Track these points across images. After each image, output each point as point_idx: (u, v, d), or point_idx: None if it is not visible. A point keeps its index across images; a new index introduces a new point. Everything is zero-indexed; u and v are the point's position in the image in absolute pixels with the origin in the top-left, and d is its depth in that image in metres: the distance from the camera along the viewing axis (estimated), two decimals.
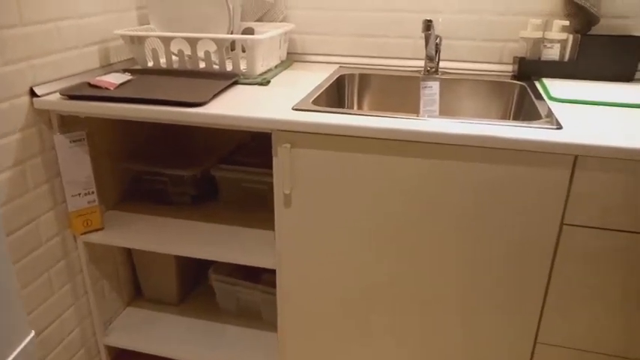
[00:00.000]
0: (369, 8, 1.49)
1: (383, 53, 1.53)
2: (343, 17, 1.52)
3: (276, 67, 1.45)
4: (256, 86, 1.28)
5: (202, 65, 1.35)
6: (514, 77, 1.36)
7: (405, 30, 1.48)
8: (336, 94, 1.38)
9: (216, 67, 1.33)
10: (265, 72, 1.39)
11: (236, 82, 1.29)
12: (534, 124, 1.01)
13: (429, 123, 1.05)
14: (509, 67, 1.43)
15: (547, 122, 1.01)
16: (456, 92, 1.38)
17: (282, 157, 1.10)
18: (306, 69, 1.49)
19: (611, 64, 1.27)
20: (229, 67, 1.33)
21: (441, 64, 1.46)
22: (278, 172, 1.12)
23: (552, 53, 1.31)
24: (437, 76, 1.37)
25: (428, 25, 1.21)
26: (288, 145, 1.09)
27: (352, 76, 1.42)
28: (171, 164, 1.45)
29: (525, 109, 1.23)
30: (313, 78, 1.39)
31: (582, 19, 1.31)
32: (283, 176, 1.12)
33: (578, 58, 1.29)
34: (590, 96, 1.16)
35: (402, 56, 1.52)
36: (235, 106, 1.12)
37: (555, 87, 1.23)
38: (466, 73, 1.43)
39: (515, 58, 1.39)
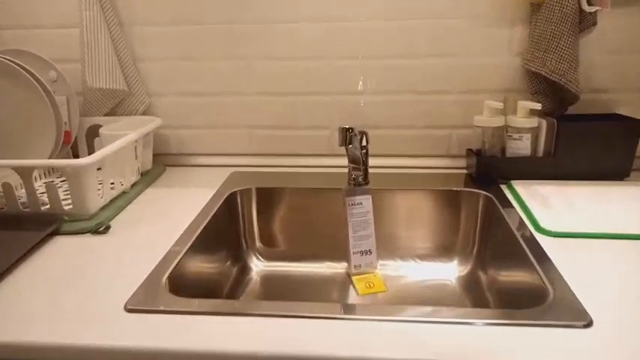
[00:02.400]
0: (267, 91, 1.07)
1: (289, 149, 1.11)
2: (232, 103, 1.09)
3: (134, 185, 0.99)
4: (87, 236, 0.80)
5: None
6: (470, 178, 0.99)
7: (318, 118, 1.08)
8: (225, 230, 0.93)
9: (24, 202, 0.84)
10: (111, 202, 0.91)
11: (56, 231, 0.81)
12: (537, 315, 0.59)
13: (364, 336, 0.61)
14: (460, 162, 1.06)
15: (559, 308, 0.61)
16: (395, 207, 0.98)
17: None
18: (183, 181, 1.04)
19: (600, 156, 0.93)
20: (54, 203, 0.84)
21: (371, 160, 1.06)
22: None
23: (521, 147, 0.94)
24: (367, 187, 0.97)
25: (348, 135, 0.80)
26: None
27: (247, 192, 0.98)
28: None
29: (502, 246, 0.83)
30: (190, 200, 0.93)
31: (555, 98, 0.96)
32: None
33: (556, 151, 0.93)
34: (590, 218, 0.79)
35: (316, 152, 1.11)
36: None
37: (534, 199, 0.86)
38: (405, 173, 1.03)
39: (468, 151, 1.02)
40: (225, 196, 0.94)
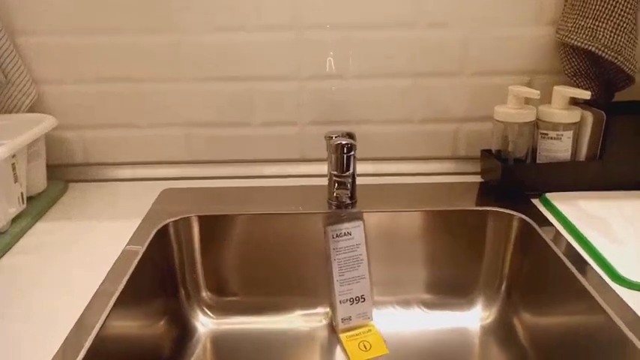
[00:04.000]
0: (210, 75, 0.77)
1: (242, 154, 0.82)
2: (161, 93, 0.78)
3: (14, 221, 0.67)
4: None
5: None
6: (485, 189, 0.74)
7: (283, 111, 0.79)
8: (155, 278, 0.64)
9: None
10: None
11: None
12: None
13: None
14: (469, 166, 0.81)
15: None
16: (392, 235, 0.71)
17: None
18: (91, 206, 0.73)
19: None
20: None
21: (358, 166, 0.78)
22: None
23: (560, 148, 0.70)
24: (355, 210, 0.70)
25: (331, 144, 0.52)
26: None
27: (186, 222, 0.69)
28: None
29: (554, 294, 0.59)
30: (102, 239, 0.63)
31: (600, 81, 0.73)
32: None
33: (604, 153, 0.70)
34: None
35: (280, 157, 0.82)
36: None
37: (588, 223, 0.63)
38: (400, 184, 0.77)
39: (484, 153, 0.77)
40: (154, 231, 0.64)
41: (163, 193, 0.75)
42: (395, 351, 0.67)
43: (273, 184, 0.78)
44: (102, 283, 0.55)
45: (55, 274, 0.57)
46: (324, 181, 0.70)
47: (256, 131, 0.80)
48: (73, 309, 0.51)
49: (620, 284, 0.52)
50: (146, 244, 0.62)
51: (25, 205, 0.69)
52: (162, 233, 0.66)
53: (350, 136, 0.66)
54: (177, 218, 0.67)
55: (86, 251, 0.62)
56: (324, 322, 0.71)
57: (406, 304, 0.72)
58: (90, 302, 0.52)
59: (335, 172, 0.49)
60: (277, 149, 0.81)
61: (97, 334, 0.47)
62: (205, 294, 0.71)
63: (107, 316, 0.50)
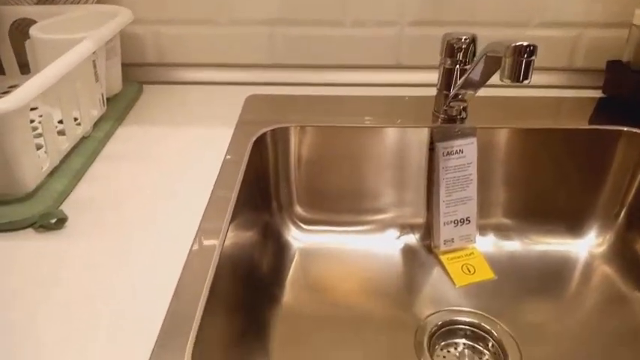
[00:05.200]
0: None
1: (334, 58, 0.74)
2: None
3: (96, 125, 0.61)
4: (27, 234, 0.45)
5: None
6: (608, 106, 0.66)
7: (382, 8, 0.70)
8: (255, 190, 0.59)
9: None
10: (62, 163, 0.54)
11: None
12: None
13: None
14: (586, 79, 0.72)
15: None
16: (501, 153, 0.65)
17: None
18: (174, 110, 0.67)
19: None
20: None
21: None
22: None
23: None
24: (469, 126, 0.62)
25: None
26: None
27: (284, 132, 0.63)
28: None
29: None
30: (194, 149, 0.58)
31: None
32: None
33: None
34: None
35: (376, 63, 0.74)
36: None
37: None
38: (508, 97, 0.69)
39: (610, 65, 0.68)
40: (252, 140, 0.59)
41: (249, 100, 0.69)
42: (500, 276, 0.63)
43: (363, 94, 0.71)
44: (213, 192, 0.50)
45: (157, 182, 0.53)
46: (421, 92, 0.63)
47: (349, 31, 0.71)
48: (190, 216, 0.47)
49: None
50: (247, 153, 0.56)
51: (105, 108, 0.64)
52: (260, 143, 0.60)
53: (473, 39, 0.58)
54: (274, 127, 0.61)
55: (182, 159, 0.57)
56: (420, 242, 0.67)
57: (509, 227, 0.67)
58: (206, 209, 0.48)
59: (508, 81, 0.41)
60: (372, 53, 0.73)
61: (223, 243, 0.44)
62: (298, 207, 0.67)
63: (229, 224, 0.46)
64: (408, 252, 0.67)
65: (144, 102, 0.70)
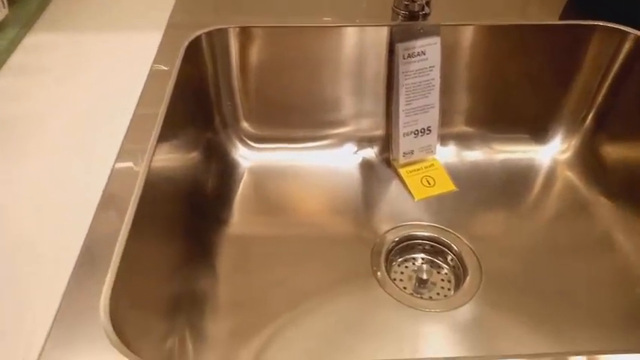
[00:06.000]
0: None
1: None
2: None
3: None
4: None
5: None
6: (586, 1, 0.60)
7: None
8: (191, 104, 0.52)
9: None
10: None
11: None
12: None
13: None
14: None
15: None
16: (464, 53, 0.59)
17: None
18: (91, 17, 0.57)
19: None
20: None
21: None
22: None
23: None
24: (432, 23, 0.56)
25: None
26: None
27: (222, 36, 0.54)
28: None
29: None
30: (116, 58, 0.50)
31: None
32: None
33: None
34: None
35: None
36: None
37: None
38: None
39: None
40: (185, 45, 0.51)
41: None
42: (461, 187, 0.60)
43: None
44: (136, 108, 0.44)
45: (77, 97, 0.46)
46: None
47: None
48: (112, 135, 0.41)
49: None
50: (178, 61, 0.49)
51: (7, 11, 0.54)
52: (194, 49, 0.52)
53: None
54: (210, 29, 0.53)
55: (103, 70, 0.49)
56: (379, 155, 0.63)
57: (471, 135, 0.63)
58: (129, 128, 0.42)
59: None
60: None
61: (150, 165, 0.38)
62: (245, 123, 0.60)
63: (156, 144, 0.40)
64: (366, 167, 0.62)
65: (57, 3, 0.60)
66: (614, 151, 0.57)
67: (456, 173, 0.61)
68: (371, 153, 0.64)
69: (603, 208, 0.56)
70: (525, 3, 0.61)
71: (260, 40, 0.55)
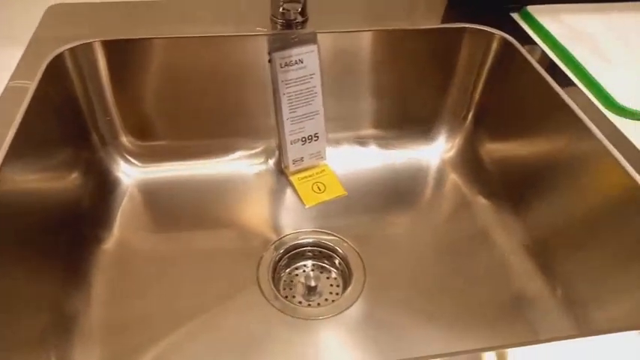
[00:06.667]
0: None
1: None
2: None
3: None
4: None
5: None
6: (459, 4, 0.62)
7: None
8: (59, 122, 0.49)
9: None
10: None
11: None
12: None
13: None
14: None
15: None
16: (347, 59, 0.59)
17: None
18: None
19: None
20: None
21: None
22: None
23: None
24: (308, 31, 0.56)
25: None
26: None
27: (87, 51, 0.52)
28: None
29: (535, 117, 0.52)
30: None
31: None
32: None
33: None
34: None
35: None
36: None
37: (573, 40, 0.54)
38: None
39: None
40: (46, 62, 0.48)
41: (52, 10, 0.57)
42: (352, 192, 0.60)
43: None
44: None
45: None
46: None
47: None
48: None
49: (615, 112, 0.46)
50: (37, 78, 0.46)
51: None
52: (57, 65, 0.50)
53: None
54: (74, 45, 0.50)
55: None
56: (271, 164, 0.63)
57: (361, 140, 0.64)
58: None
59: None
60: None
61: None
62: (125, 138, 0.58)
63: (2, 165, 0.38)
64: (258, 177, 0.62)
65: None
66: (492, 150, 0.60)
67: (347, 178, 0.62)
68: (263, 163, 0.63)
69: (482, 206, 0.58)
70: (411, 8, 0.63)
71: (131, 53, 0.53)
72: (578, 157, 0.46)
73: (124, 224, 0.55)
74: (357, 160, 0.63)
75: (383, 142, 0.64)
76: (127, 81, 0.55)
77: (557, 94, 0.48)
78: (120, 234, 0.54)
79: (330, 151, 0.63)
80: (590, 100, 0.48)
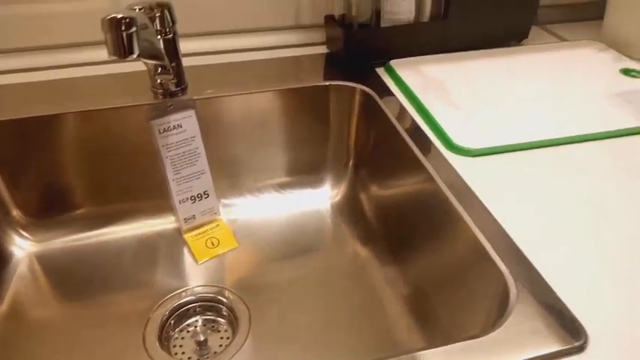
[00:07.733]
0: None
1: (31, 39, 0.66)
2: None
3: None
4: None
5: None
6: (333, 60, 0.68)
7: None
8: None
9: None
10: None
11: None
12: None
13: None
14: (315, 35, 0.73)
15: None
16: (232, 119, 0.64)
17: None
18: None
19: (498, 16, 0.68)
20: None
21: (183, 44, 0.66)
22: None
23: (403, 9, 0.64)
24: (185, 98, 0.60)
25: (125, 27, 0.40)
26: None
27: None
28: None
29: (393, 164, 0.57)
30: None
31: None
32: None
33: (449, 12, 0.66)
34: (510, 110, 0.56)
35: (83, 40, 0.68)
36: None
37: (427, 90, 0.60)
38: (237, 62, 0.68)
39: (327, 19, 0.69)
40: None
41: None
42: (245, 242, 0.63)
43: (78, 75, 0.65)
44: None
45: None
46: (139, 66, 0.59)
47: (49, 8, 0.64)
48: None
49: (453, 152, 0.51)
50: None
51: None
52: None
53: (162, 5, 0.54)
54: None
55: None
56: (169, 225, 0.65)
57: (255, 191, 0.67)
58: None
59: (115, 57, 0.38)
60: (76, 29, 0.66)
61: None
62: (16, 212, 0.60)
63: None
64: (158, 238, 0.64)
65: None
66: (370, 195, 0.64)
67: (241, 230, 0.65)
68: (162, 224, 0.65)
69: (362, 247, 0.61)
70: (293, 68, 0.68)
71: (15, 133, 0.56)
72: (425, 200, 0.50)
73: (15, 295, 0.56)
74: (252, 211, 0.67)
75: (274, 191, 0.68)
76: (11, 159, 0.57)
77: (404, 139, 0.53)
78: (10, 306, 0.54)
79: (225, 205, 0.66)
80: (432, 142, 0.52)
